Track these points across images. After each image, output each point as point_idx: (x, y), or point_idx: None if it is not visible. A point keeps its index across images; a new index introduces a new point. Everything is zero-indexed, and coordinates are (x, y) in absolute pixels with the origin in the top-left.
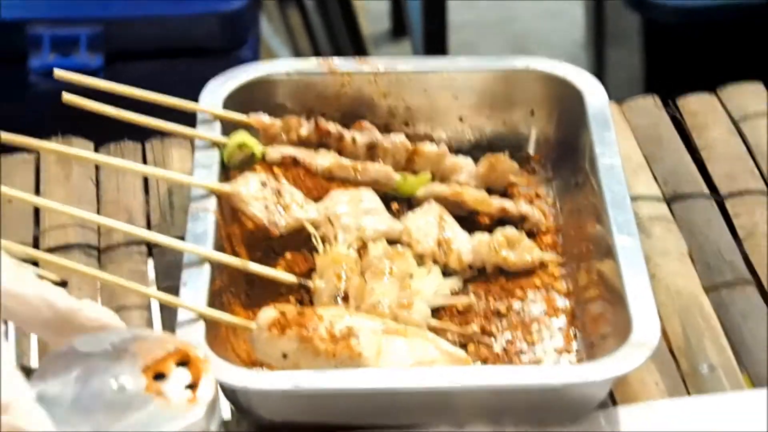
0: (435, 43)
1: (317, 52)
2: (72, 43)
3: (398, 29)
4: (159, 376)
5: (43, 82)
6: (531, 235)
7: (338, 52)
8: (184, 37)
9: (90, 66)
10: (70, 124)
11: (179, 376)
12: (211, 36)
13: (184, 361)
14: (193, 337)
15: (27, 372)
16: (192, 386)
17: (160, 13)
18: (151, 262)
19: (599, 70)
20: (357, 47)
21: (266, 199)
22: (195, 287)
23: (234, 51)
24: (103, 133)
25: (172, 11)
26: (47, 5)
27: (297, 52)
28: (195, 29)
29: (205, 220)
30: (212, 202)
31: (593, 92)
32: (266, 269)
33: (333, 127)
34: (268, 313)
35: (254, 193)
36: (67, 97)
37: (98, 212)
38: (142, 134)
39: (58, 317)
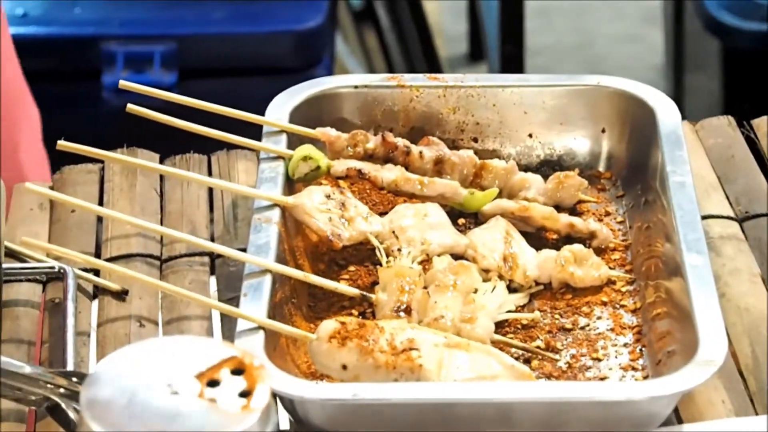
0: (511, 66)
1: (392, 72)
2: (146, 60)
3: (475, 52)
4: (213, 383)
5: (116, 99)
6: (599, 252)
7: (413, 72)
8: (258, 55)
9: (164, 83)
10: (139, 140)
11: (233, 383)
12: (286, 55)
13: (239, 370)
14: (251, 346)
15: (83, 377)
16: (246, 394)
17: (235, 32)
18: (213, 275)
19: (678, 95)
20: (432, 68)
21: (330, 212)
22: (255, 298)
23: (308, 70)
24: (169, 147)
25: (247, 29)
26: (122, 22)
27: (372, 72)
28: (269, 48)
29: (267, 231)
30: (276, 214)
31: (666, 110)
32: (328, 282)
33: (400, 142)
34: (329, 325)
35: (318, 205)
36: (132, 106)
37: (161, 223)
38: (208, 149)
39: None
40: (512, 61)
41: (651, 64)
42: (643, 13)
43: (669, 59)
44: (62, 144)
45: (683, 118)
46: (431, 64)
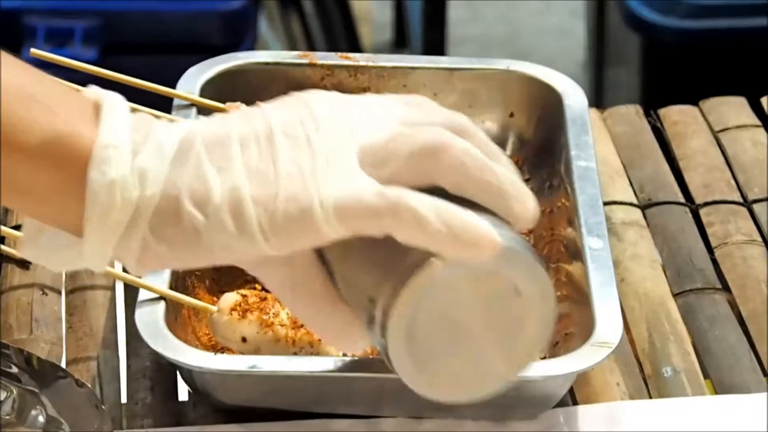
0: (434, 53)
1: None
2: (67, 35)
3: (400, 40)
4: None
5: None
6: None
7: None
8: (181, 33)
9: (83, 58)
10: None
11: None
12: (208, 34)
13: None
14: (151, 317)
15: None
16: None
17: (158, 9)
18: None
19: (598, 89)
20: (354, 53)
21: None
22: None
23: (231, 50)
24: None
25: (171, 7)
26: None
27: None
28: (193, 26)
29: None
30: None
31: (573, 96)
32: None
33: None
34: (230, 298)
35: None
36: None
37: None
38: None
39: None
40: (435, 48)
41: (577, 57)
42: (571, 7)
43: (591, 53)
44: None
45: (603, 110)
46: (354, 50)
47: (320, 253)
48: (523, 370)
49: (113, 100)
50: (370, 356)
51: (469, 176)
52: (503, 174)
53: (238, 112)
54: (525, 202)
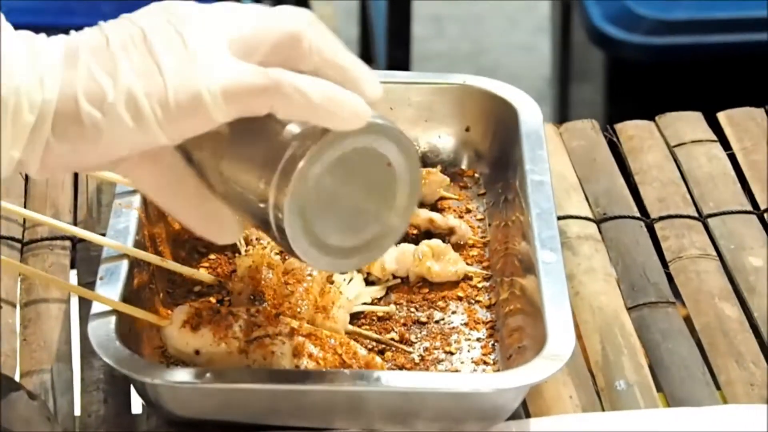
0: (398, 70)
1: None
2: None
3: (366, 56)
4: None
5: None
6: (458, 248)
7: None
8: None
9: None
10: None
11: None
12: None
13: None
14: (104, 329)
15: None
16: None
17: None
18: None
19: (563, 105)
20: None
21: None
22: (111, 281)
23: None
24: None
25: None
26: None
27: None
28: None
29: (127, 216)
30: (137, 199)
31: (529, 111)
32: (185, 268)
33: None
34: (183, 310)
35: None
36: None
37: (25, 206)
38: None
39: None
40: (400, 65)
41: (542, 73)
42: (536, 23)
43: (556, 69)
44: None
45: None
46: None
47: (186, 156)
48: (411, 213)
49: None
50: (324, 369)
51: (327, 60)
52: (355, 59)
53: (107, 23)
54: (374, 84)
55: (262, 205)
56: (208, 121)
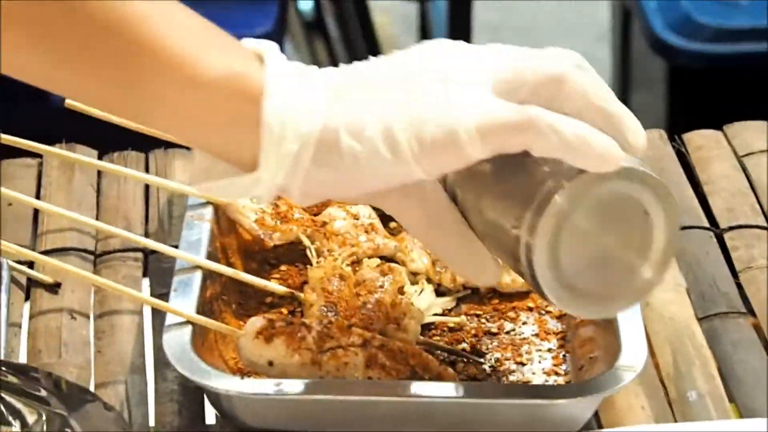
0: None
1: None
2: None
3: None
4: None
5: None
6: None
7: None
8: None
9: None
10: (78, 136)
11: None
12: None
13: None
14: (179, 341)
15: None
16: None
17: None
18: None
19: None
20: None
21: (263, 211)
22: (185, 293)
23: None
24: (108, 144)
25: None
26: None
27: None
28: None
29: (200, 228)
30: (208, 211)
31: None
32: (257, 279)
33: None
34: (256, 322)
35: (250, 204)
36: (71, 102)
37: (97, 219)
38: (146, 147)
39: None
40: None
41: None
42: (595, 31)
43: (616, 78)
44: (2, 137)
45: None
46: None
47: (452, 195)
48: (667, 269)
49: (273, 46)
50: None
51: (590, 103)
52: (620, 105)
53: (365, 63)
54: (638, 133)
55: (514, 241)
56: (464, 156)
